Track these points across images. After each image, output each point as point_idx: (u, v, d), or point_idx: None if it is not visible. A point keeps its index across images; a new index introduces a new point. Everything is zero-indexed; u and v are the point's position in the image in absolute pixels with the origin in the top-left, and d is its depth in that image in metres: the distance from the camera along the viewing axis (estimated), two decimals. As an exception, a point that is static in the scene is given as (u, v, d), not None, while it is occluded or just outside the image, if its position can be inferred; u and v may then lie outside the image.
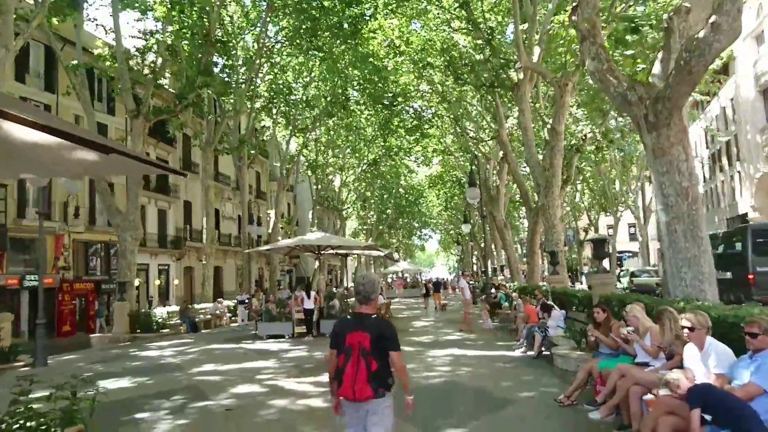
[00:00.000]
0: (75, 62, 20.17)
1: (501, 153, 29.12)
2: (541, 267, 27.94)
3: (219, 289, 40.38)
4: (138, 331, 19.41)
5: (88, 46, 23.94)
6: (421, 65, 27.70)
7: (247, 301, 22.68)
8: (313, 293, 16.40)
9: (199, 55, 21.58)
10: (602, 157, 26.38)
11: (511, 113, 28.25)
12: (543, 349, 10.79)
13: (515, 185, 40.04)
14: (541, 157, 19.62)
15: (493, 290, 20.56)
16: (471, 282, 39.46)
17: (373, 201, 59.28)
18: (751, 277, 12.85)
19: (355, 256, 60.02)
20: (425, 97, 32.16)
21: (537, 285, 20.49)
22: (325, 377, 7.78)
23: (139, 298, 31.73)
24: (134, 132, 20.50)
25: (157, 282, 33.27)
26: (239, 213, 36.39)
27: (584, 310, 10.78)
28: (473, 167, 19.81)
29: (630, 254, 58.15)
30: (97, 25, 21.32)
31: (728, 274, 14.77)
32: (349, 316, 4.05)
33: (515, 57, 20.39)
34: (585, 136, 20.27)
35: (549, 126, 18.98)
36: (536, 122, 23.75)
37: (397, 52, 29.60)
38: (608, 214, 50.40)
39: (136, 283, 31.05)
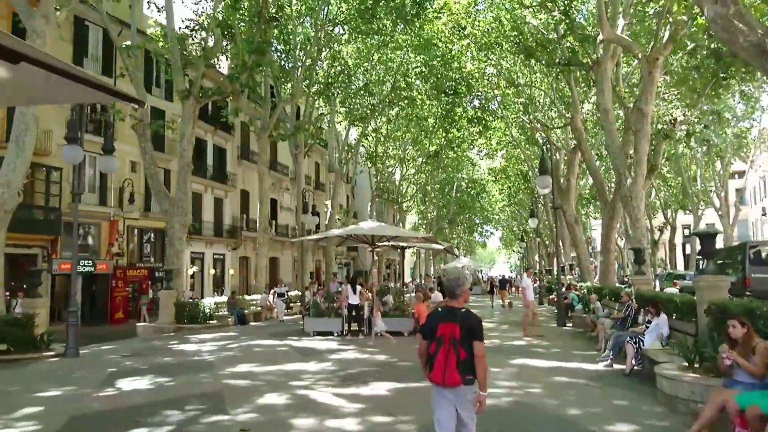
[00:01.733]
0: (128, 43, 19.58)
1: (572, 142, 26.87)
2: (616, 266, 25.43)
3: (275, 281, 39.86)
4: (185, 321, 18.61)
5: (143, 27, 23.43)
6: (488, 47, 25.73)
7: (285, 294, 21.32)
8: (359, 288, 14.99)
9: (253, 34, 20.51)
10: (687, 145, 23.48)
11: (586, 98, 25.97)
12: (634, 364, 8.89)
13: (584, 179, 37.65)
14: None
15: (563, 290, 18.50)
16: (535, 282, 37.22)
17: (433, 195, 57.51)
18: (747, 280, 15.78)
19: (414, 250, 58.61)
20: (491, 82, 30.05)
21: (612, 285, 18.34)
22: (366, 390, 7.77)
23: (194, 287, 31.49)
24: (184, 113, 19.66)
25: (212, 271, 32.83)
26: (297, 204, 35.57)
27: (690, 319, 8.79)
28: (544, 152, 17.79)
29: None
30: (149, 2, 20.63)
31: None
32: (440, 309, 4.21)
33: (594, 32, 18.31)
34: (675, 119, 17.87)
35: (632, 107, 16.77)
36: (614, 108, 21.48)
37: (462, 35, 27.80)
38: (687, 212, 46.59)
39: (191, 272, 30.87)
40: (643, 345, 8.89)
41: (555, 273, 34.50)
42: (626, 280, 30.82)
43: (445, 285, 4.21)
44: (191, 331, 17.56)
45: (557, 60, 20.03)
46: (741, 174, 46.28)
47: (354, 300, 14.73)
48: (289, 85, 27.25)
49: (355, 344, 13.19)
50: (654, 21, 16.58)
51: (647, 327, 9.34)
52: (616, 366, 9.46)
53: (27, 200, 22.45)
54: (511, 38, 23.56)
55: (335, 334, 14.79)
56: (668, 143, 18.15)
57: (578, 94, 23.05)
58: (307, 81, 27.90)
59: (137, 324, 19.16)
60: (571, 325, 16.95)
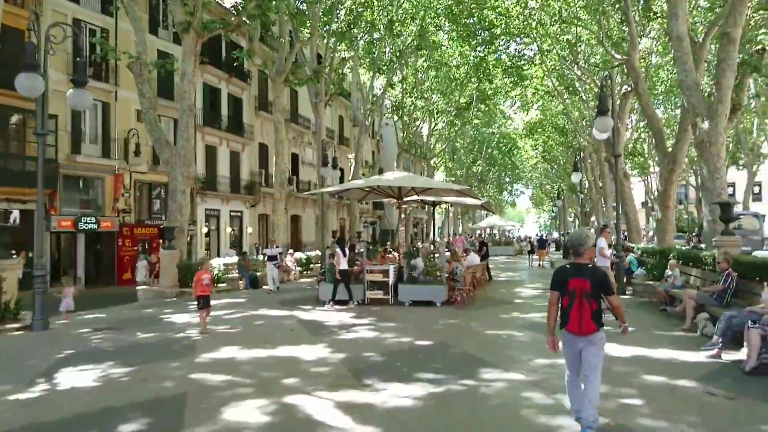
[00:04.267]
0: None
1: (624, 87, 23.76)
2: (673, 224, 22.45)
3: (297, 240, 37.90)
4: (190, 285, 16.60)
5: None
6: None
7: (278, 256, 17.88)
8: (354, 249, 12.67)
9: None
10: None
11: (643, 32, 22.73)
12: (763, 357, 6.40)
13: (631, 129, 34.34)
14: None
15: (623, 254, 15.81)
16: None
17: (462, 151, 54.52)
18: None
19: (442, 208, 56.08)
20: (531, 18, 26.79)
21: (670, 248, 15.64)
22: (385, 394, 5.65)
23: (209, 246, 29.67)
24: (185, 49, 17.20)
25: (229, 230, 30.86)
26: (317, 157, 33.18)
27: None
28: (605, 88, 14.87)
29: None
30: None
31: None
32: (568, 266, 4.56)
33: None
34: (764, 48, 14.73)
35: (715, 33, 13.75)
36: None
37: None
38: (740, 167, 42.74)
39: (205, 230, 28.97)
40: (775, 332, 6.38)
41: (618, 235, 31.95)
42: (693, 240, 27.86)
43: (570, 244, 4.68)
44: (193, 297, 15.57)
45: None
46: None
47: (344, 265, 12.47)
48: (308, 24, 24.49)
49: (376, 316, 10.91)
50: None
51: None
52: (725, 356, 7.00)
53: (20, 150, 20.55)
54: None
55: (355, 303, 12.54)
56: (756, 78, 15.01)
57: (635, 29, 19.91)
58: (327, 20, 25.12)
59: (137, 288, 17.22)
60: (631, 292, 14.41)
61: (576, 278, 4.35)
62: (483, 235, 40.16)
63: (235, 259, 19.93)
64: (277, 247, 18.32)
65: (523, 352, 7.59)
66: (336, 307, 12.23)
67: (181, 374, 6.48)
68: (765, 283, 7.64)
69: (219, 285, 17.42)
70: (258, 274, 18.74)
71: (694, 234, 34.28)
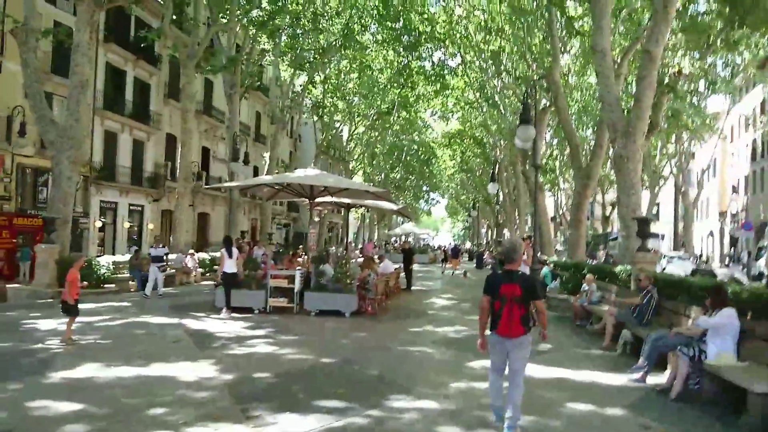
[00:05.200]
0: None
1: (543, 102, 23.94)
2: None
3: (204, 239, 35.78)
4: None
5: None
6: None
7: (165, 257, 15.55)
8: (237, 252, 11.54)
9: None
10: (685, 101, 20.63)
11: (564, 49, 23.03)
12: (690, 382, 5.94)
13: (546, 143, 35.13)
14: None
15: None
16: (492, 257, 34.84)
17: (382, 157, 54.08)
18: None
19: (358, 213, 55.28)
20: (457, 27, 26.66)
21: (582, 262, 15.65)
22: (274, 429, 4.73)
23: (104, 243, 27.19)
24: (79, 18, 15.31)
25: (127, 224, 28.45)
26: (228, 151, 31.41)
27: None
28: (528, 98, 14.55)
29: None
30: None
31: None
32: (499, 271, 4.97)
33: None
34: (680, 70, 15.01)
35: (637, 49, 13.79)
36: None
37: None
38: (644, 188, 44.96)
39: (98, 224, 26.50)
40: (706, 356, 5.93)
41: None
42: (606, 256, 28.73)
43: (504, 252, 4.99)
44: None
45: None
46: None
47: (230, 267, 11.36)
48: (227, 9, 22.91)
49: (277, 326, 9.81)
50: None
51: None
52: (650, 379, 6.54)
53: None
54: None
55: (256, 312, 11.35)
56: (669, 99, 15.23)
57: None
58: (248, 7, 23.65)
59: (8, 286, 15.09)
60: (546, 305, 14.11)
61: (507, 284, 4.57)
62: (410, 242, 39.59)
63: (124, 257, 18.03)
64: (162, 246, 15.72)
65: (437, 373, 6.80)
66: (234, 315, 10.99)
67: (15, 401, 5.12)
68: (694, 307, 7.27)
69: (106, 286, 15.63)
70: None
71: (602, 248, 35.54)
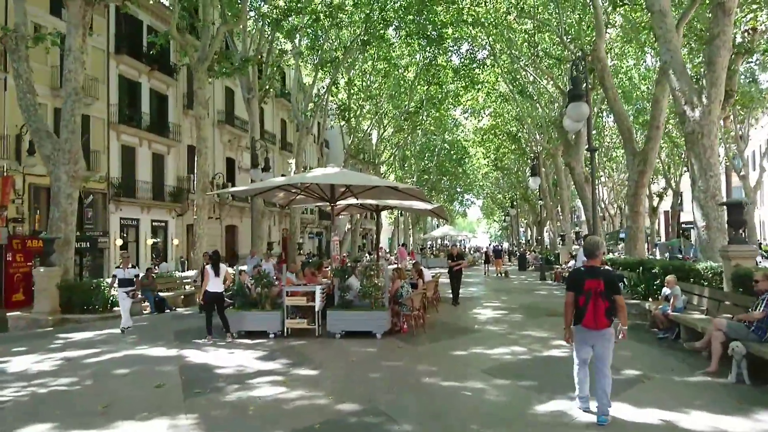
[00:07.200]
0: None
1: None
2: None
3: (233, 253, 34.54)
4: (80, 309, 13.41)
5: None
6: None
7: (135, 279, 11.99)
8: (225, 268, 9.86)
9: None
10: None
11: (607, 23, 20.88)
12: None
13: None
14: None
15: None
16: (539, 256, 32.52)
17: (413, 159, 52.20)
18: None
19: (392, 217, 53.43)
20: (487, 6, 24.73)
21: (648, 260, 13.52)
22: None
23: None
24: (71, 19, 14.00)
25: (150, 241, 27.29)
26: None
27: None
28: (579, 69, 12.51)
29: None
30: None
31: None
32: (582, 268, 5.15)
33: None
34: (754, 28, 12.78)
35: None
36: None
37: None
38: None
39: (119, 242, 25.37)
40: None
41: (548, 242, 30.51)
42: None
43: (586, 248, 5.29)
44: (78, 325, 12.43)
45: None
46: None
47: (214, 286, 9.64)
48: (236, 6, 21.50)
49: (292, 356, 8.07)
50: None
51: None
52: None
53: None
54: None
55: (271, 335, 9.65)
56: (744, 61, 12.98)
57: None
58: (260, 3, 22.22)
59: (9, 314, 13.83)
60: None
61: (591, 279, 4.91)
62: (457, 245, 37.43)
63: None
64: (132, 267, 12.21)
65: (492, 426, 4.93)
66: (245, 341, 9.31)
67: None
68: None
69: (115, 309, 14.20)
70: (162, 294, 15.56)
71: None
